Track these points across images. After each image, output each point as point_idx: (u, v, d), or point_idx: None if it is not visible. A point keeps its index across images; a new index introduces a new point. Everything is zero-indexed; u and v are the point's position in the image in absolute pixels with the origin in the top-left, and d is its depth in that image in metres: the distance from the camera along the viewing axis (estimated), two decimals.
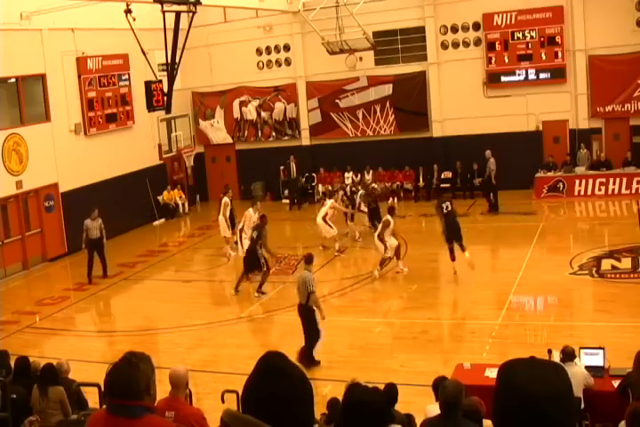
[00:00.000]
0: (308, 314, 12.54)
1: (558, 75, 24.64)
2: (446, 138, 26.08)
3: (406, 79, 26.29)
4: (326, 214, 20.08)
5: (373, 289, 17.06)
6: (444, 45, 25.93)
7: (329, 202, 20.77)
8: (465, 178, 25.67)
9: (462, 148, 25.18)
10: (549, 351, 9.32)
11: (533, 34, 24.62)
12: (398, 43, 26.38)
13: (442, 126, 26.17)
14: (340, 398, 4.18)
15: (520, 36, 24.80)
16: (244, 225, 19.03)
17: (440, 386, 5.92)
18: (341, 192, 23.67)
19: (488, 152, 24.37)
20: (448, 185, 25.79)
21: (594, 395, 8.76)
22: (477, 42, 25.53)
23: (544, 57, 24.61)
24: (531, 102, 24.93)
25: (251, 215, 18.94)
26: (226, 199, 20.45)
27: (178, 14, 18.78)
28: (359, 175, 26.99)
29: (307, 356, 12.28)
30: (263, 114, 28.18)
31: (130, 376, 3.47)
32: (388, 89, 26.50)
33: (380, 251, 17.53)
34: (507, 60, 25.03)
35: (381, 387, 7.08)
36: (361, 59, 26.43)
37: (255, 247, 17.03)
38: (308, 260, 13.10)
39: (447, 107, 25.90)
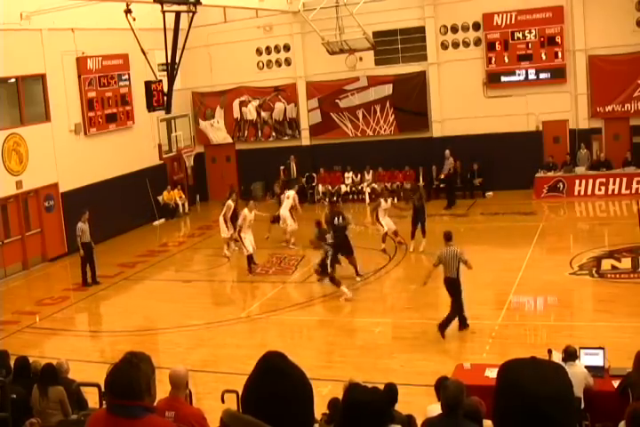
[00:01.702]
0: (458, 287, 13.40)
1: (558, 75, 24.64)
2: (446, 138, 26.07)
3: (406, 79, 26.29)
4: (292, 207, 20.42)
5: (373, 289, 17.06)
6: (443, 45, 25.93)
7: (290, 193, 20.95)
8: (465, 178, 25.68)
9: (462, 148, 25.17)
10: (549, 351, 9.32)
11: (533, 34, 24.62)
12: (398, 43, 26.38)
13: (442, 126, 26.16)
14: (340, 398, 4.18)
15: (520, 36, 24.80)
16: (241, 225, 19.04)
17: (441, 386, 5.92)
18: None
19: (447, 152, 24.60)
20: None
21: (594, 395, 8.76)
22: (477, 42, 25.53)
23: (544, 57, 24.61)
24: (531, 102, 24.93)
25: (246, 215, 18.96)
26: (229, 202, 20.49)
27: (178, 14, 18.77)
28: (359, 175, 27.01)
29: (444, 324, 13.32)
30: (263, 114, 28.18)
31: (131, 377, 3.47)
32: (388, 89, 26.50)
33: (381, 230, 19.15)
34: (507, 60, 25.02)
35: (381, 387, 7.08)
36: (361, 59, 26.42)
37: (345, 233, 17.30)
38: (449, 236, 13.71)
39: (447, 107, 25.90)
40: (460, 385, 5.91)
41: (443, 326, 13.34)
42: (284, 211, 20.93)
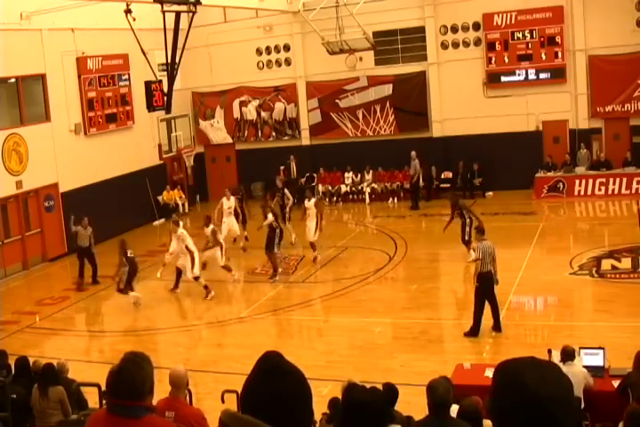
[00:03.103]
0: (493, 283, 13.24)
1: (558, 75, 24.65)
2: (446, 138, 26.08)
3: (406, 79, 26.29)
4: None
5: (373, 289, 17.05)
6: (443, 45, 25.93)
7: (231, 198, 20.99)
8: (465, 178, 25.69)
9: (462, 148, 25.19)
10: (549, 351, 9.32)
11: (533, 34, 24.63)
12: (398, 43, 26.38)
13: (442, 126, 26.17)
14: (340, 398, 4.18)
15: (520, 36, 24.80)
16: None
17: (429, 387, 5.88)
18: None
19: (413, 153, 24.60)
20: (448, 185, 25.82)
21: (594, 395, 8.76)
22: (477, 42, 25.53)
23: (544, 57, 24.61)
24: (531, 102, 24.94)
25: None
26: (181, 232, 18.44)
27: (178, 14, 18.78)
28: (359, 175, 27.01)
29: (498, 325, 13.22)
30: (263, 114, 28.18)
31: (135, 377, 3.48)
32: (387, 89, 26.50)
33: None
34: (507, 60, 25.03)
35: (380, 387, 7.07)
36: (361, 59, 26.43)
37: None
38: (483, 230, 13.82)
39: (447, 107, 25.90)
40: (447, 385, 5.89)
41: (497, 326, 13.30)
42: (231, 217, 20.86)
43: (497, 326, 13.29)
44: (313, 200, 19.26)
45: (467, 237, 18.11)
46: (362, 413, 3.87)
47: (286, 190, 22.25)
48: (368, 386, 5.12)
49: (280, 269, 18.10)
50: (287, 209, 21.57)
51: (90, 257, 18.95)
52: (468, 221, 18.32)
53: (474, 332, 13.26)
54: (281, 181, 24.52)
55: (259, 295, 17.56)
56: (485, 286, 13.21)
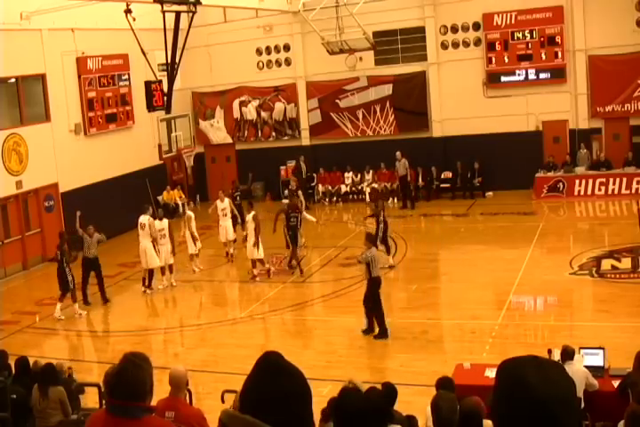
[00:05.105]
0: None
1: (558, 75, 24.65)
2: (446, 138, 26.08)
3: (406, 79, 26.29)
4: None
5: None
6: (443, 45, 25.93)
7: (225, 202, 20.56)
8: (465, 178, 25.69)
9: (462, 148, 25.18)
10: (549, 351, 9.32)
11: (533, 34, 24.63)
12: (398, 43, 26.38)
13: (442, 126, 26.16)
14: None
15: (520, 36, 24.81)
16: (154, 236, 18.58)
17: (434, 407, 5.84)
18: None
19: (398, 153, 24.57)
20: (448, 185, 25.83)
21: (594, 395, 8.76)
22: (477, 42, 25.53)
23: (544, 57, 24.62)
24: (531, 102, 24.94)
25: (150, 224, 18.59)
26: (189, 214, 19.79)
27: (178, 14, 18.77)
28: (359, 175, 27.01)
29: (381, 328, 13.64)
30: (263, 114, 28.18)
31: (136, 378, 3.48)
32: (387, 89, 26.50)
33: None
34: (507, 60, 25.03)
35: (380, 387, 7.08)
36: (361, 59, 26.43)
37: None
38: (373, 239, 14.41)
39: (447, 107, 25.90)
40: (453, 404, 5.86)
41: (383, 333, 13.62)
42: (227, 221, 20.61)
43: (384, 333, 13.62)
44: (252, 213, 18.09)
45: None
46: (355, 423, 3.85)
47: (300, 192, 21.76)
48: (367, 386, 5.12)
49: (272, 269, 18.39)
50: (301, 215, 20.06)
51: (98, 270, 17.55)
52: (381, 226, 17.96)
53: (384, 334, 13.60)
54: (295, 182, 24.03)
55: (259, 295, 17.57)
56: (378, 291, 13.62)
